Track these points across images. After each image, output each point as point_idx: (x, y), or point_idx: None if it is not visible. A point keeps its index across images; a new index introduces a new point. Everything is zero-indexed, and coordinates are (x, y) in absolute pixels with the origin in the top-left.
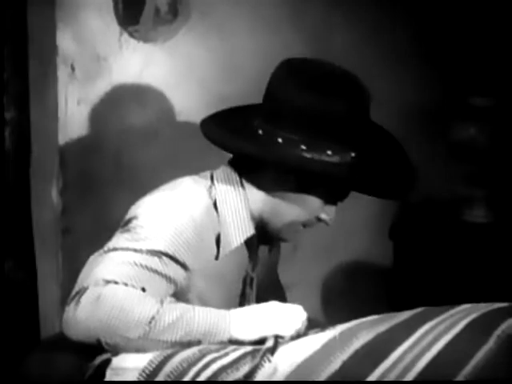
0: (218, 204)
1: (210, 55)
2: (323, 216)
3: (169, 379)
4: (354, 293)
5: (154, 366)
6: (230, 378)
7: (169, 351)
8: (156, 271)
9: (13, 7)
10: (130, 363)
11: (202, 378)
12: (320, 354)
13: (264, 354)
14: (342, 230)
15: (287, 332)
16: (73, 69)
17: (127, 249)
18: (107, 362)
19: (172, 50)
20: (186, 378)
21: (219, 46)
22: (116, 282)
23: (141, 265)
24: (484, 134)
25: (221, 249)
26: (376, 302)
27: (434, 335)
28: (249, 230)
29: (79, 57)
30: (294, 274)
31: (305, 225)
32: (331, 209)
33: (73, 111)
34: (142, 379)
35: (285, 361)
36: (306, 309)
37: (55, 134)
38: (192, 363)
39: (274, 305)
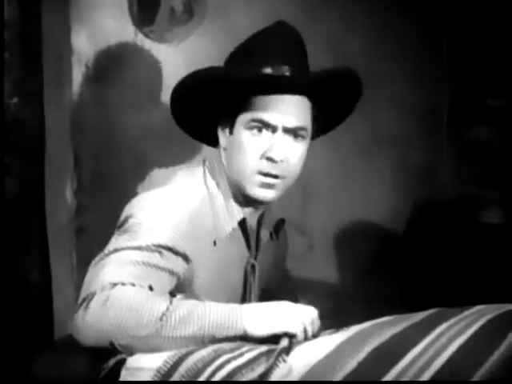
0: (210, 191)
1: (224, 56)
2: (268, 153)
3: (183, 379)
4: (368, 293)
5: (168, 365)
6: (245, 379)
7: (183, 351)
8: (158, 266)
9: (27, 7)
10: (145, 363)
11: (217, 378)
12: (335, 354)
13: (279, 355)
14: (355, 230)
15: (298, 331)
16: (87, 68)
17: (128, 248)
18: (122, 362)
19: (187, 51)
20: (201, 378)
21: (234, 46)
22: (123, 284)
23: (143, 262)
24: (499, 135)
25: (216, 236)
26: (391, 302)
27: (448, 336)
28: (238, 214)
29: (94, 56)
30: (310, 274)
31: (262, 172)
32: (272, 142)
33: (87, 111)
34: (156, 379)
35: (300, 361)
36: (320, 309)
37: (70, 133)
38: (207, 363)
39: (286, 304)
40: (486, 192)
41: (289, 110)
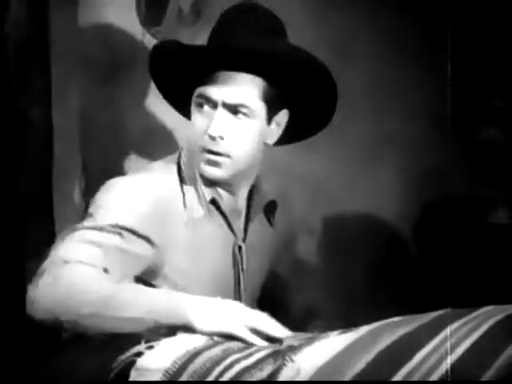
0: (182, 175)
1: None
2: (207, 130)
3: (192, 379)
4: (377, 294)
5: (177, 366)
6: (254, 379)
7: (192, 351)
8: (117, 247)
9: (35, 7)
10: (154, 364)
11: (226, 378)
12: (344, 355)
13: (286, 354)
14: (364, 230)
15: (244, 335)
16: (95, 69)
17: (87, 227)
18: (132, 362)
19: None
20: (210, 378)
21: None
22: (74, 262)
23: (100, 243)
24: (507, 135)
25: (187, 219)
26: (399, 303)
27: (457, 337)
28: (207, 195)
29: (102, 57)
30: (318, 274)
31: (205, 149)
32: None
33: (95, 112)
34: (165, 379)
35: (308, 362)
36: (328, 309)
37: (78, 134)
38: (215, 363)
39: (236, 305)
40: (494, 193)
41: (230, 86)
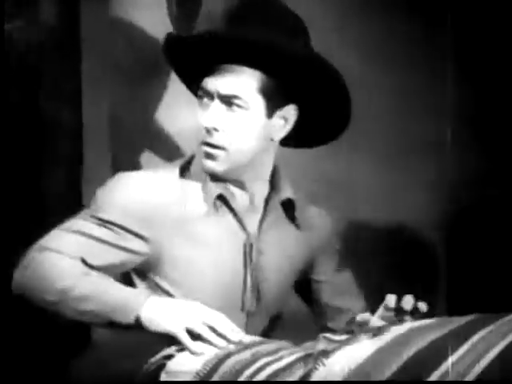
0: (189, 172)
1: None
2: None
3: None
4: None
5: (208, 368)
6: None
7: (221, 354)
8: (104, 240)
9: (66, 7)
10: (184, 366)
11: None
12: (375, 359)
13: (318, 358)
14: (397, 236)
15: (201, 331)
16: (126, 70)
17: (78, 217)
18: (162, 365)
19: None
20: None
21: None
22: (50, 250)
23: (87, 233)
24: None
25: (187, 216)
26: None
27: (487, 343)
28: (214, 190)
29: (133, 58)
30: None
31: (203, 142)
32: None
33: (126, 113)
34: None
35: (338, 365)
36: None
37: (108, 135)
38: (245, 366)
39: (197, 306)
40: None
41: (226, 77)
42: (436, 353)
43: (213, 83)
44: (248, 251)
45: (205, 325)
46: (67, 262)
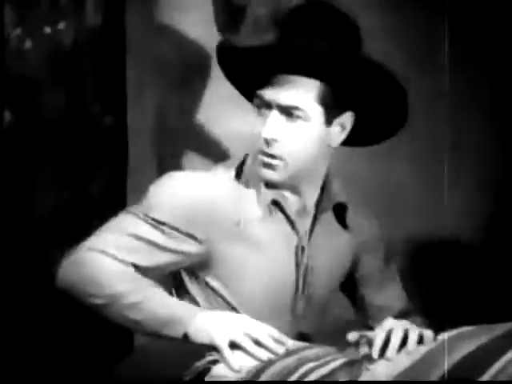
0: (242, 177)
1: None
2: (261, 133)
3: None
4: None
5: (252, 374)
6: None
7: (267, 360)
8: (156, 244)
9: (111, 11)
10: (229, 372)
11: None
12: (419, 365)
13: (363, 364)
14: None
15: (244, 344)
16: (170, 73)
17: (130, 215)
18: (206, 370)
19: None
20: None
21: None
22: (101, 251)
23: (137, 236)
24: None
25: (241, 219)
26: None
27: None
28: (268, 196)
29: (177, 61)
30: None
31: (261, 151)
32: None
33: (171, 117)
34: None
35: (384, 371)
36: None
37: (153, 139)
38: (290, 372)
39: (243, 318)
40: None
41: (285, 88)
42: (481, 359)
43: (271, 94)
44: (300, 254)
45: (247, 336)
46: (118, 266)
